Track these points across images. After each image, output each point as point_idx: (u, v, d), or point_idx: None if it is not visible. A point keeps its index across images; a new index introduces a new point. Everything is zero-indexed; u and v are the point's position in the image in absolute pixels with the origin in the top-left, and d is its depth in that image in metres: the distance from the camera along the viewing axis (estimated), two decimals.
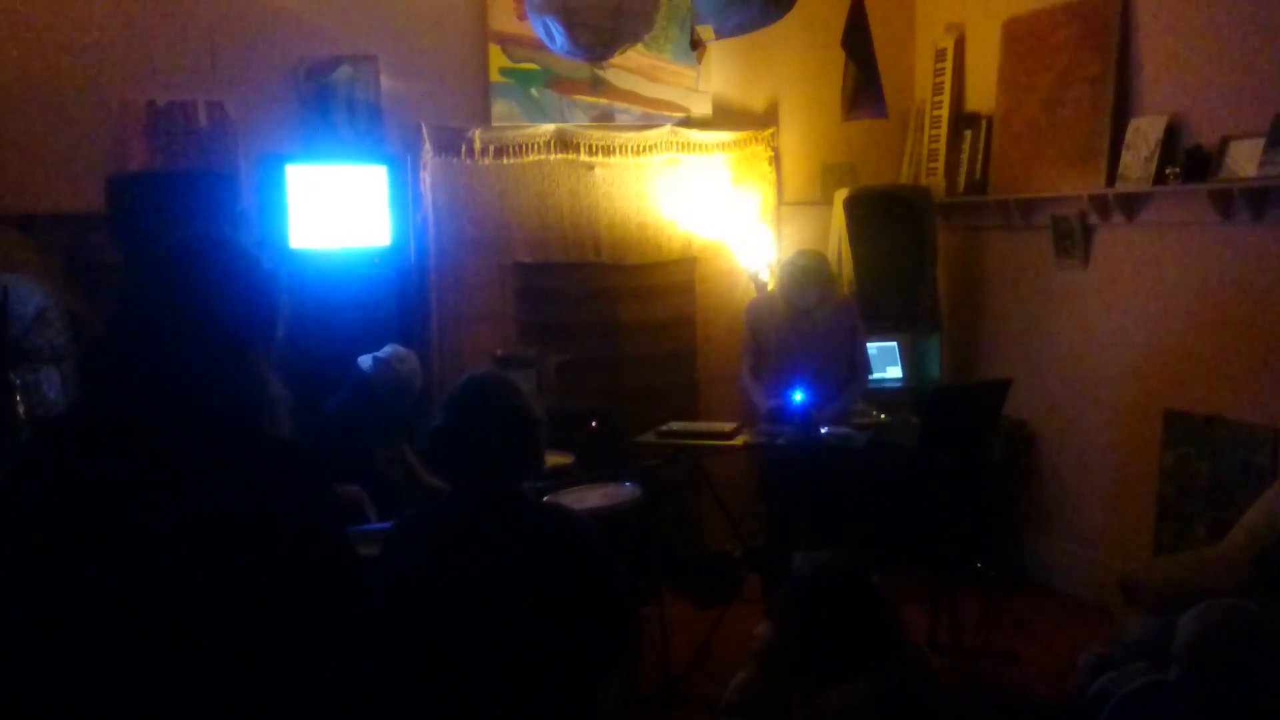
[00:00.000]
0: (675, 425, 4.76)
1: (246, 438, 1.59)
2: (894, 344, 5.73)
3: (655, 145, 5.65)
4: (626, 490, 4.10)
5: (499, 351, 5.16)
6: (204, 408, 1.55)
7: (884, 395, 5.26)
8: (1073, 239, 5.05)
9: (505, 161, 5.44)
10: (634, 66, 5.58)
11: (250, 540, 1.52)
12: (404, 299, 5.09)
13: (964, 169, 5.74)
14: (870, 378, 4.96)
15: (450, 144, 5.36)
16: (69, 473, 1.52)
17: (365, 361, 4.11)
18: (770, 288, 5.56)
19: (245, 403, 1.59)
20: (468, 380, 2.36)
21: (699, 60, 5.65)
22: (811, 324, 4.66)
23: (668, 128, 5.68)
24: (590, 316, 5.62)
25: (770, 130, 5.88)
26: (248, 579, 1.51)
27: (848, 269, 5.66)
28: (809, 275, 4.60)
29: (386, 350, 4.15)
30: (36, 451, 1.60)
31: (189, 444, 1.54)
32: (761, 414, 4.60)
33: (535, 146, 5.48)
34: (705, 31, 4.58)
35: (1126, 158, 4.68)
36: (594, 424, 5.04)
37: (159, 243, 1.64)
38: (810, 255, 4.77)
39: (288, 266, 4.71)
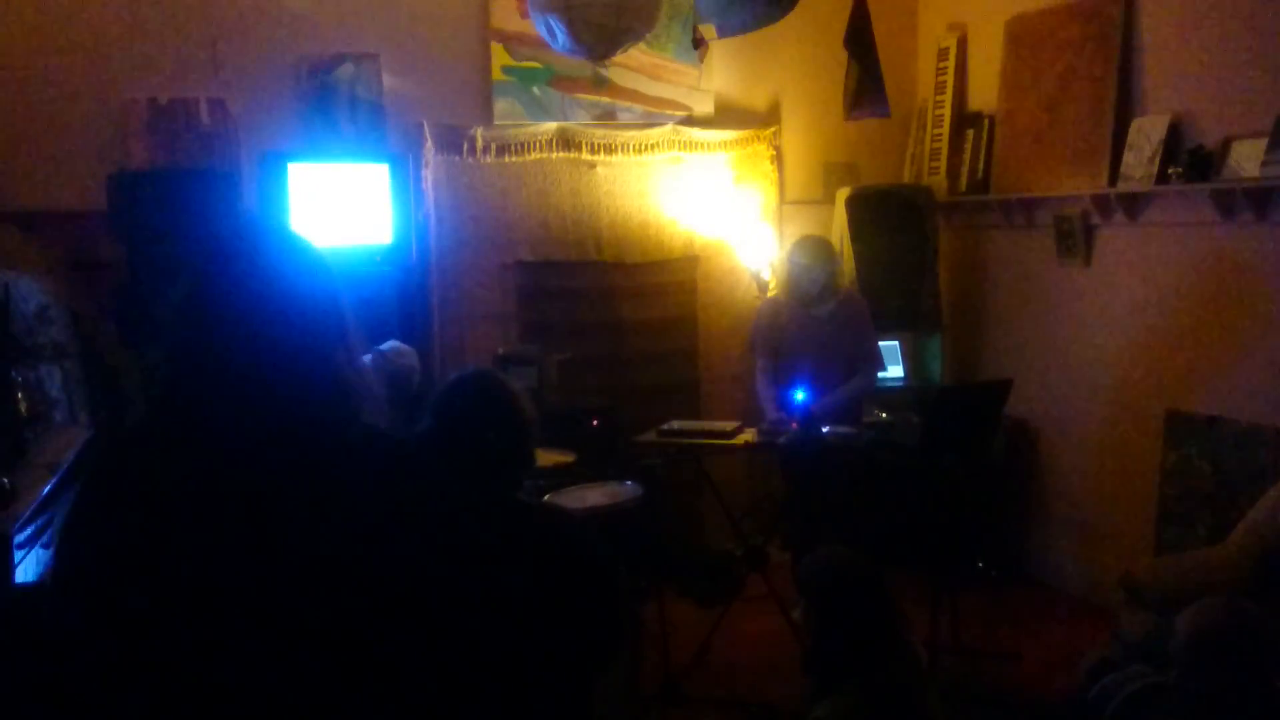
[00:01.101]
0: (676, 424, 4.76)
1: (348, 434, 1.50)
2: (895, 343, 5.73)
3: (657, 144, 5.65)
4: (627, 489, 4.10)
5: (500, 350, 5.16)
6: (302, 405, 1.47)
7: (886, 395, 5.26)
8: (1075, 239, 5.04)
9: (507, 160, 5.44)
10: (636, 65, 5.58)
11: (366, 536, 1.45)
12: (406, 297, 5.08)
13: (966, 168, 5.73)
14: (881, 372, 4.94)
15: (452, 142, 5.36)
16: (153, 483, 1.44)
17: (368, 360, 4.12)
18: (772, 289, 5.56)
19: (336, 398, 1.51)
20: (457, 380, 2.32)
21: (701, 59, 5.65)
22: (820, 322, 4.65)
23: (670, 126, 5.68)
24: (592, 315, 5.62)
25: (772, 129, 5.88)
26: (354, 584, 1.44)
27: (849, 268, 5.65)
28: (816, 259, 4.60)
29: (386, 345, 4.15)
30: (116, 461, 1.51)
31: (292, 445, 1.45)
32: (765, 423, 4.61)
33: (537, 145, 5.48)
34: (707, 30, 4.58)
35: (1129, 158, 4.68)
36: (595, 422, 5.04)
37: (218, 234, 1.55)
38: (813, 240, 4.78)
39: None
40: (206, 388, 1.47)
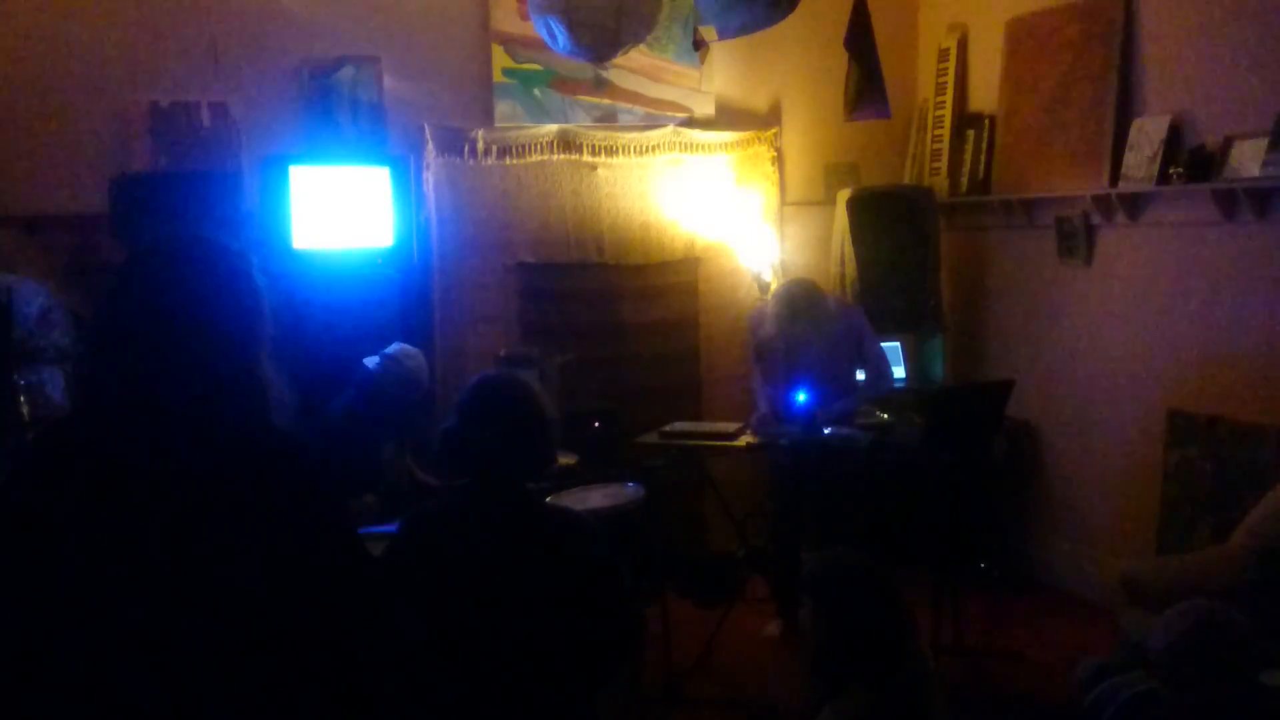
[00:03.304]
0: (678, 426, 4.77)
1: (250, 437, 1.57)
2: (897, 344, 5.72)
3: (658, 145, 5.65)
4: (629, 491, 4.10)
5: (502, 352, 5.16)
6: (201, 409, 1.54)
7: (887, 396, 5.25)
8: (1076, 239, 5.04)
9: (508, 162, 5.44)
10: (637, 67, 5.58)
11: (260, 542, 1.51)
12: (407, 299, 5.09)
13: (967, 169, 5.73)
14: (891, 382, 4.89)
15: (453, 144, 5.36)
16: (70, 480, 1.51)
17: (371, 362, 4.13)
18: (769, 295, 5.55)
19: (245, 402, 1.58)
20: (481, 380, 2.37)
21: (702, 61, 5.65)
22: (810, 338, 4.62)
23: (670, 128, 5.68)
24: (593, 317, 5.62)
25: (773, 130, 5.88)
26: (258, 582, 1.50)
27: (851, 269, 5.66)
28: (796, 312, 4.55)
29: (393, 348, 4.17)
30: (35, 459, 1.58)
31: (190, 446, 1.52)
32: (754, 420, 4.61)
33: (538, 147, 5.48)
34: (708, 32, 4.59)
35: (1130, 157, 4.68)
36: (597, 424, 5.04)
37: (138, 244, 1.64)
38: (797, 288, 4.67)
39: (290, 267, 4.71)
40: (121, 390, 1.54)
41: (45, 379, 4.21)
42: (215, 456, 1.53)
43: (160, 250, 1.63)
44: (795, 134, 5.97)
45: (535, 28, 4.22)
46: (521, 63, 5.46)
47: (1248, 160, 4.16)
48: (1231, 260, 4.35)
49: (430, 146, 5.31)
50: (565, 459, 4.32)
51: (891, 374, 4.85)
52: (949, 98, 5.87)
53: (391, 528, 2.42)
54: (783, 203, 5.95)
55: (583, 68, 5.33)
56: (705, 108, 5.77)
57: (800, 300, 4.59)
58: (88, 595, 1.47)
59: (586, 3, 3.89)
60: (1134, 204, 4.74)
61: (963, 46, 5.85)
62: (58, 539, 1.48)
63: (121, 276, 1.63)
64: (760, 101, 5.94)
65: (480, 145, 5.38)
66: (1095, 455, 5.07)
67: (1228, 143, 4.26)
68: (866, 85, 5.36)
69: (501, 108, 5.46)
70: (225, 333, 1.58)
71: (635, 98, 5.66)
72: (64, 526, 1.48)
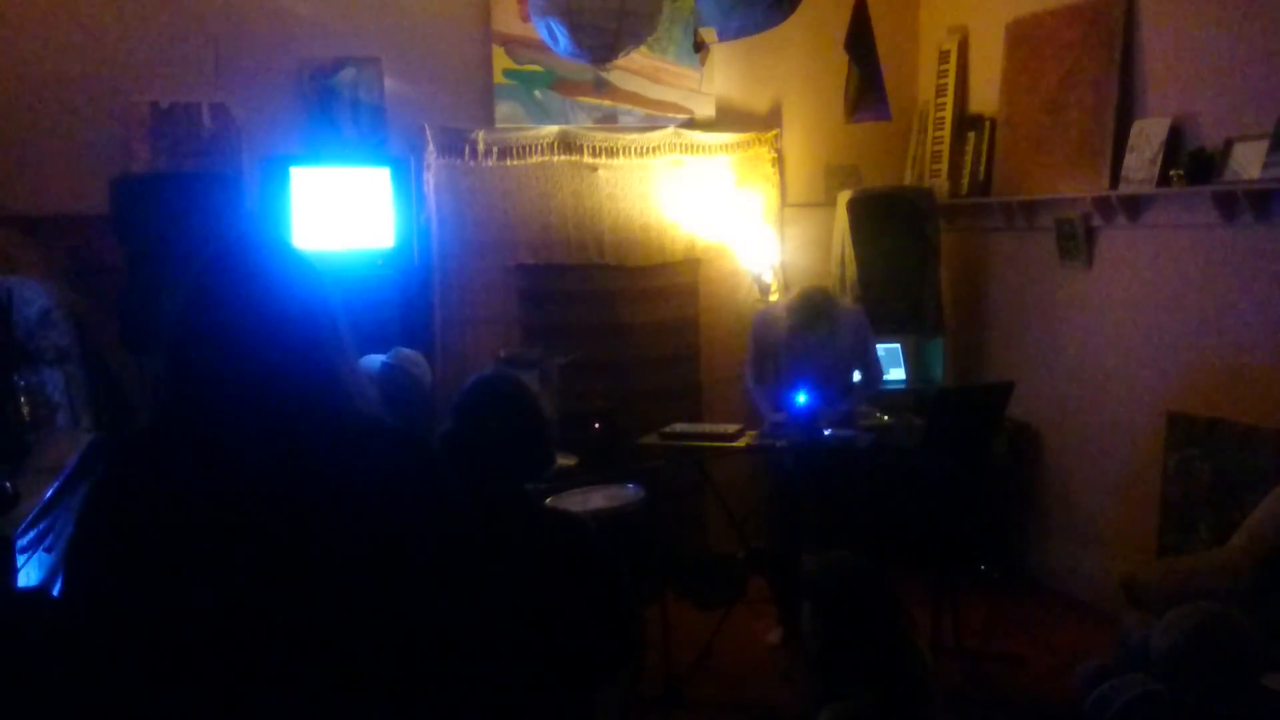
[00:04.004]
0: (678, 427, 4.76)
1: (348, 429, 1.55)
2: (897, 346, 5.73)
3: (658, 147, 5.65)
4: (629, 492, 4.10)
5: (502, 353, 5.16)
6: (300, 405, 1.52)
7: (887, 397, 5.26)
8: (1076, 241, 5.04)
9: (509, 163, 5.45)
10: (637, 68, 5.59)
11: (370, 528, 1.49)
12: (408, 300, 5.09)
13: (967, 170, 5.74)
14: (882, 383, 4.94)
15: (454, 145, 5.37)
16: (177, 492, 1.48)
17: (370, 362, 4.12)
18: (774, 296, 5.55)
19: (336, 396, 1.56)
20: (476, 382, 2.37)
21: (702, 62, 5.66)
22: (818, 344, 4.63)
23: (671, 129, 5.68)
24: (593, 318, 5.62)
25: (774, 132, 5.88)
26: (371, 569, 1.48)
27: (851, 271, 5.66)
28: (818, 318, 4.57)
29: (395, 354, 4.16)
30: (133, 472, 1.54)
31: (292, 444, 1.50)
32: (766, 424, 4.61)
33: (539, 148, 5.49)
34: (708, 34, 4.59)
35: (1130, 159, 4.68)
36: (597, 426, 5.05)
37: (214, 243, 1.59)
38: (814, 294, 4.70)
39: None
40: (208, 396, 1.52)
41: (45, 379, 4.21)
42: (311, 452, 1.51)
43: (233, 251, 1.59)
44: (796, 135, 5.97)
45: (536, 29, 4.22)
46: (522, 64, 5.46)
47: (1248, 162, 4.16)
48: (1231, 262, 4.35)
49: (431, 147, 5.31)
50: (565, 460, 4.31)
51: (882, 373, 4.91)
52: (949, 99, 5.88)
53: None
54: (783, 204, 5.95)
55: (583, 69, 5.34)
56: (706, 109, 5.77)
57: (819, 307, 4.60)
58: (215, 607, 1.43)
59: (588, 4, 3.90)
60: (1134, 206, 4.75)
61: (963, 48, 5.86)
62: (155, 552, 1.45)
63: (199, 279, 1.57)
64: (761, 103, 5.95)
65: (481, 146, 5.39)
66: (1095, 457, 5.07)
67: (1228, 145, 4.26)
68: (867, 87, 5.37)
69: (502, 109, 5.46)
70: (309, 329, 1.56)
71: (636, 99, 5.66)
72: (181, 541, 1.45)
